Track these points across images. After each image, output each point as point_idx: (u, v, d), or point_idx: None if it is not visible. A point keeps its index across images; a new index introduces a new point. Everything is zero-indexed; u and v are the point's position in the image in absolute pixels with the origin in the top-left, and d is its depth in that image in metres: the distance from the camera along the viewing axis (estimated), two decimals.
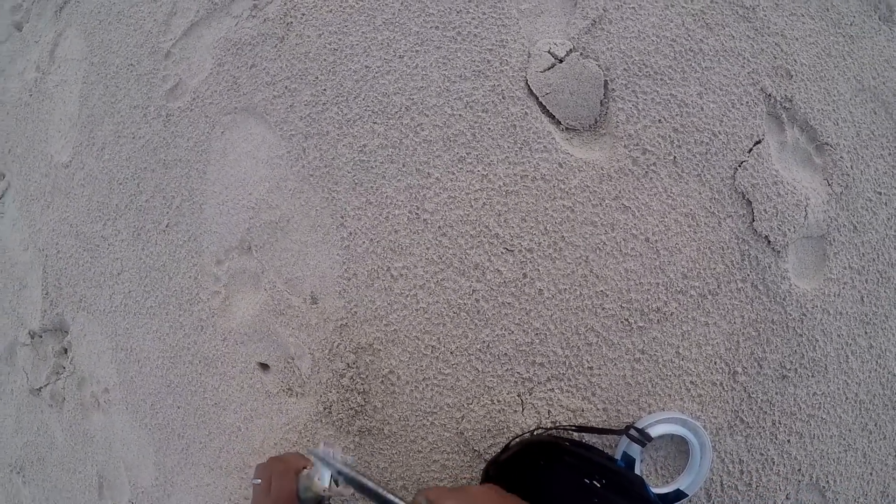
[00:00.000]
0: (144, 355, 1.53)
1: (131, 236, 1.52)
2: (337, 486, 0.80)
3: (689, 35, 1.26)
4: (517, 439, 1.13)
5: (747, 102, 1.25)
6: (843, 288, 1.26)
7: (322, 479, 0.80)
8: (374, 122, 1.27)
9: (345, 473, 0.77)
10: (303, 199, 1.30)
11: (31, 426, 1.87)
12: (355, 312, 1.25)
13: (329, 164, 1.28)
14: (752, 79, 1.25)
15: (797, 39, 1.28)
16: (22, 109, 1.87)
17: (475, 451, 1.22)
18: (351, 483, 0.77)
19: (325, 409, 1.28)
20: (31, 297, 1.83)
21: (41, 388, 1.81)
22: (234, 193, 1.37)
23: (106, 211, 1.58)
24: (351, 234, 1.26)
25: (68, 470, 1.75)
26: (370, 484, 0.75)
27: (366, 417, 1.26)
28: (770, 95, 1.25)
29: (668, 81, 1.24)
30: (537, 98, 1.26)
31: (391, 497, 0.73)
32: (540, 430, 1.15)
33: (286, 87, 1.34)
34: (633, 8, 1.26)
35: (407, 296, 1.23)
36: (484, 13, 1.28)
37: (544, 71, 1.26)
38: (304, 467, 0.85)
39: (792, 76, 1.26)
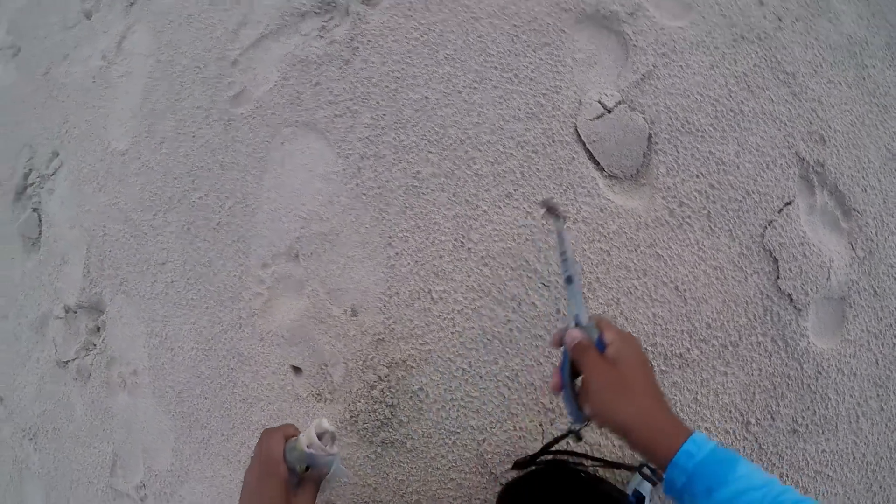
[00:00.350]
0: (178, 344, 1.59)
1: (181, 229, 1.59)
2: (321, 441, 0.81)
3: (731, 96, 1.33)
4: (534, 457, 1.18)
5: (781, 164, 1.31)
6: (860, 350, 1.31)
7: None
8: (430, 151, 1.35)
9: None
10: (354, 215, 1.37)
11: (51, 396, 1.92)
12: (393, 329, 1.32)
13: (382, 186, 1.36)
14: (788, 142, 1.32)
15: (833, 106, 1.34)
16: (83, 94, 1.96)
17: (492, 473, 1.28)
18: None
19: (351, 416, 1.35)
20: (72, 273, 1.90)
21: (69, 361, 1.86)
22: (288, 202, 1.44)
23: (158, 202, 1.65)
24: (397, 254, 1.33)
25: (83, 444, 1.81)
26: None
27: (390, 430, 1.32)
28: (803, 159, 1.31)
29: (708, 139, 1.31)
30: (584, 144, 1.33)
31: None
32: (554, 457, 1.20)
33: (348, 108, 1.42)
34: (680, 66, 1.34)
35: (444, 318, 1.30)
36: (541, 59, 1.36)
37: (593, 119, 1.33)
38: (294, 436, 0.86)
39: (825, 142, 1.33)
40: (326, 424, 0.82)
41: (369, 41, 1.44)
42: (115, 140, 1.80)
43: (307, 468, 0.81)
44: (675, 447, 0.70)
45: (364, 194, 1.36)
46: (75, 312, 1.88)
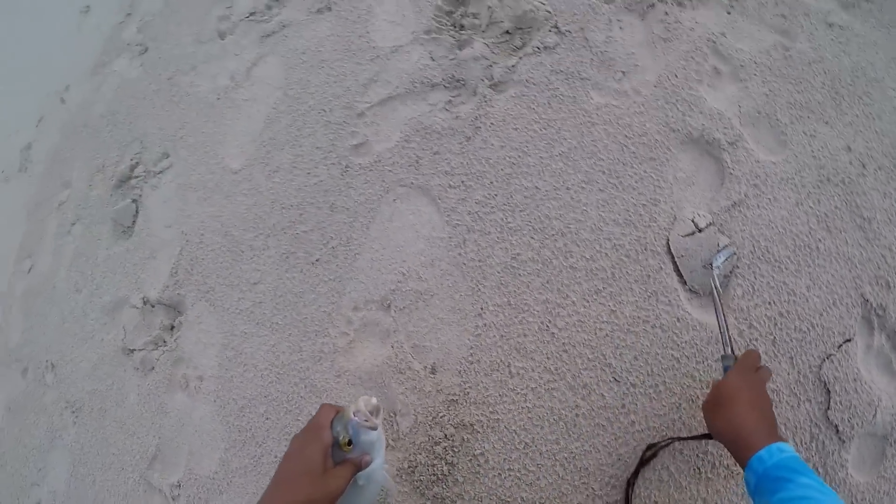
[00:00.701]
0: (253, 362, 1.69)
1: (279, 256, 1.73)
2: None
3: (810, 233, 1.43)
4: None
5: (847, 303, 1.40)
6: (894, 488, 1.38)
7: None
8: (532, 237, 1.48)
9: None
10: (451, 281, 1.50)
11: (106, 378, 2.02)
12: (468, 393, 1.43)
13: (483, 260, 1.48)
14: (856, 283, 1.41)
15: None
16: (205, 108, 2.14)
17: None
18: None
19: (409, 466, 1.45)
20: (158, 269, 2.02)
21: (134, 350, 1.97)
22: (390, 255, 1.57)
23: (262, 225, 1.79)
24: (486, 325, 1.45)
25: (127, 431, 1.89)
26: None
27: (445, 486, 1.42)
28: (867, 301, 1.40)
29: (783, 270, 1.41)
30: (673, 257, 1.45)
31: None
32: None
33: (462, 182, 1.56)
34: (769, 199, 1.45)
35: (518, 393, 1.41)
36: (645, 171, 1.49)
37: (684, 235, 1.45)
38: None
39: (890, 288, 1.41)
40: (375, 401, 0.88)
41: (492, 124, 1.59)
42: (229, 158, 1.96)
43: (349, 442, 0.84)
44: (752, 453, 0.85)
45: (464, 264, 1.49)
46: (153, 307, 1.99)
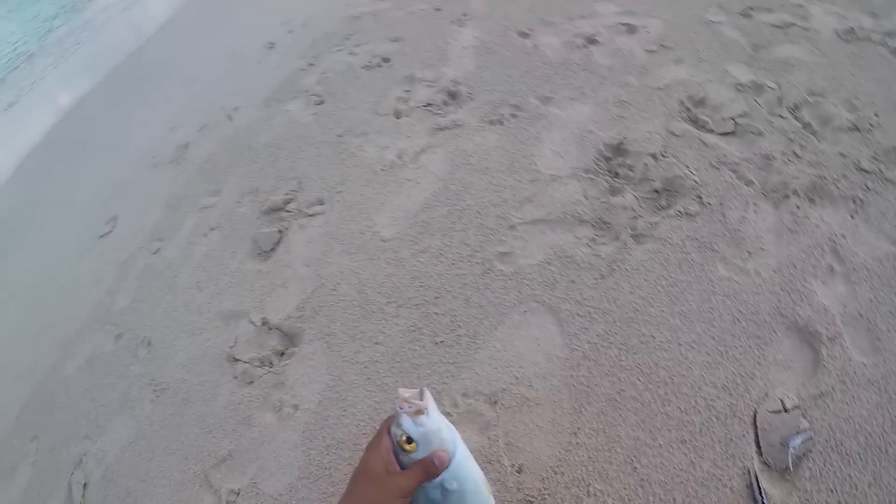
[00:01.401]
0: (353, 410, 1.90)
1: (406, 327, 2.02)
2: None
3: (883, 435, 1.54)
4: None
5: None
6: None
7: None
8: (638, 379, 1.72)
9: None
10: (557, 397, 1.75)
11: (201, 374, 2.25)
12: (544, 499, 1.65)
13: (590, 387, 1.73)
14: None
15: None
16: (368, 173, 2.51)
17: None
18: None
19: None
20: (285, 299, 2.30)
21: (239, 361, 2.19)
22: (508, 358, 1.84)
23: (397, 295, 2.09)
24: (578, 444, 1.68)
25: (205, 428, 2.08)
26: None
27: None
28: None
29: (851, 464, 1.54)
30: (756, 429, 1.65)
31: None
32: None
33: (589, 313, 1.84)
34: (853, 396, 1.62)
35: None
36: (750, 346, 1.72)
37: (771, 412, 1.66)
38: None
39: None
40: (418, 390, 0.83)
41: (626, 270, 1.87)
42: (381, 226, 2.30)
43: (409, 440, 0.79)
44: None
45: (574, 385, 1.74)
46: (270, 329, 2.25)
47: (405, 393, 0.84)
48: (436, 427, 0.81)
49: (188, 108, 4.31)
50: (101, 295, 3.12)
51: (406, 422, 0.80)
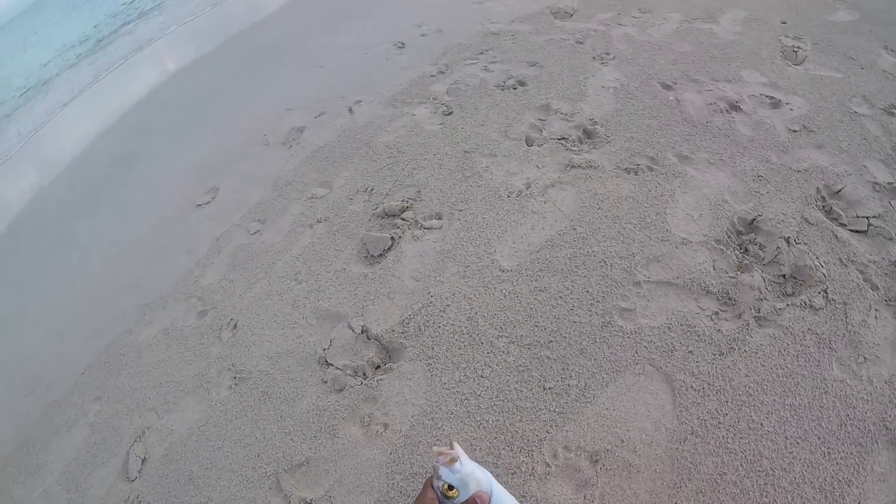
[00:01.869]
0: (445, 438, 1.93)
1: (514, 365, 2.02)
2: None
3: None
4: None
5: None
6: None
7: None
8: (741, 464, 1.63)
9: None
10: (659, 468, 1.66)
11: (286, 370, 2.29)
12: None
13: (694, 465, 1.65)
14: None
15: None
16: (490, 196, 2.53)
17: None
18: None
19: None
20: (390, 310, 2.31)
21: (332, 366, 2.21)
22: (616, 418, 1.84)
23: (509, 330, 2.09)
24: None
25: (284, 429, 2.10)
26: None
27: None
28: None
29: None
30: None
31: None
32: None
33: (703, 388, 1.77)
34: None
35: None
36: (851, 452, 1.65)
37: None
38: None
39: None
40: (448, 445, 0.98)
41: (744, 351, 1.84)
42: (500, 255, 2.34)
43: (451, 487, 0.93)
44: None
45: (677, 459, 1.71)
46: (369, 339, 2.26)
47: (439, 448, 0.96)
48: (470, 470, 0.94)
49: (307, 93, 4.43)
50: (189, 265, 3.21)
51: (444, 472, 0.93)
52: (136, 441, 2.36)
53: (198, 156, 4.43)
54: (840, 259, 2.05)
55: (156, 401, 2.49)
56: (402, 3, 5.59)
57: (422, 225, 2.61)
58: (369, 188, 2.98)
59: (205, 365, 2.51)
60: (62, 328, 3.40)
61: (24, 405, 2.99)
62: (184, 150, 4.67)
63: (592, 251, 2.18)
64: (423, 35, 4.53)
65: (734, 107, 2.79)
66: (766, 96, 2.84)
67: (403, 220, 2.69)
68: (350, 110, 3.79)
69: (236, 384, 2.36)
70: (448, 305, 2.27)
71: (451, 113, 3.20)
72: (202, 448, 2.19)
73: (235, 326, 2.62)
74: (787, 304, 1.95)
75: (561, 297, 2.12)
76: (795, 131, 2.61)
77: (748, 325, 1.90)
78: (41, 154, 6.68)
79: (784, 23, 3.46)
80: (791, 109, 2.73)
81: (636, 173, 2.45)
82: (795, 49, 3.15)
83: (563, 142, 2.69)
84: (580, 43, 3.67)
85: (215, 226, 3.42)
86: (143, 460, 2.28)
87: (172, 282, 3.16)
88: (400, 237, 2.64)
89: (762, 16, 3.61)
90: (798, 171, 2.40)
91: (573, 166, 2.49)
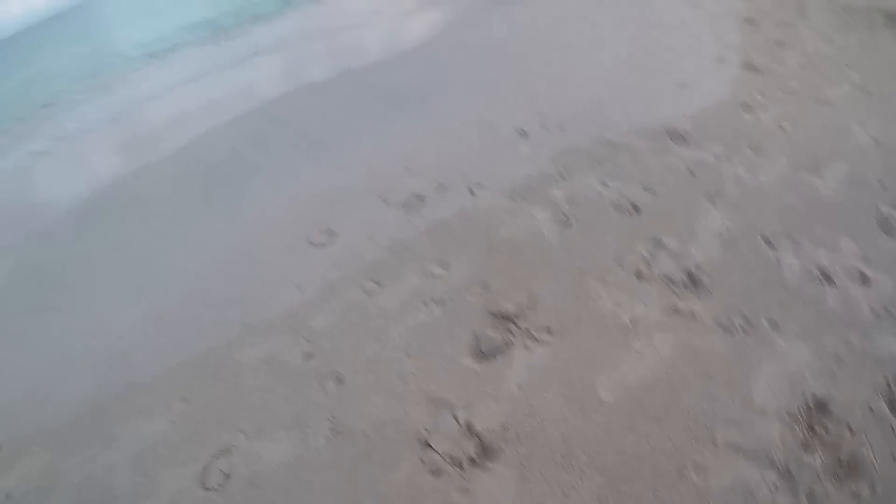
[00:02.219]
0: None
1: (594, 493, 2.17)
2: None
3: None
4: None
5: None
6: None
7: None
8: None
9: None
10: None
11: (384, 438, 2.36)
12: None
13: None
14: None
15: None
16: (599, 322, 2.89)
17: None
18: None
19: None
20: (493, 411, 2.57)
21: (430, 447, 2.34)
22: None
23: (597, 458, 2.30)
24: None
25: (377, 492, 2.25)
26: None
27: None
28: None
29: None
30: None
31: None
32: None
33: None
34: None
35: None
36: None
37: None
38: None
39: None
40: None
41: None
42: (602, 386, 2.59)
43: None
44: None
45: None
46: (472, 434, 2.48)
47: None
48: None
49: (427, 158, 4.60)
50: (298, 301, 3.32)
51: None
52: (220, 454, 2.52)
53: (316, 188, 4.49)
54: (893, 455, 2.24)
55: (248, 423, 2.61)
56: (529, 84, 5.74)
57: (534, 336, 2.85)
58: (486, 283, 3.22)
59: (304, 406, 2.65)
60: (159, 315, 3.46)
61: (105, 374, 3.08)
62: (301, 177, 4.73)
63: (681, 403, 2.46)
64: (543, 126, 4.74)
65: (827, 277, 2.99)
66: (858, 269, 3.02)
67: (517, 326, 2.94)
68: (471, 192, 4.04)
69: (335, 436, 2.50)
70: (546, 422, 2.51)
71: (569, 224, 3.47)
72: (291, 486, 2.33)
73: (341, 381, 2.77)
74: (837, 491, 2.16)
75: (647, 439, 2.39)
76: (879, 315, 2.78)
77: None
78: (149, 128, 6.42)
79: (883, 186, 3.63)
80: (879, 289, 2.91)
81: (732, 333, 2.70)
82: (891, 219, 3.31)
83: (669, 283, 3.01)
84: (692, 174, 3.91)
85: (328, 270, 3.52)
86: (227, 476, 2.43)
87: (278, 311, 3.26)
88: (512, 343, 2.87)
89: (862, 172, 3.78)
90: (875, 360, 2.59)
91: (676, 311, 2.78)
